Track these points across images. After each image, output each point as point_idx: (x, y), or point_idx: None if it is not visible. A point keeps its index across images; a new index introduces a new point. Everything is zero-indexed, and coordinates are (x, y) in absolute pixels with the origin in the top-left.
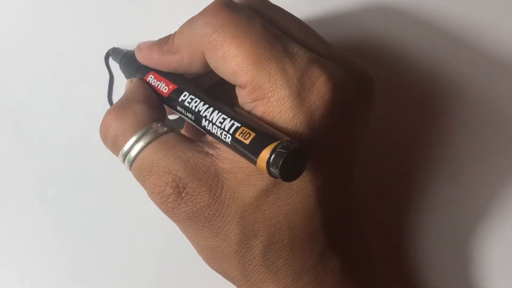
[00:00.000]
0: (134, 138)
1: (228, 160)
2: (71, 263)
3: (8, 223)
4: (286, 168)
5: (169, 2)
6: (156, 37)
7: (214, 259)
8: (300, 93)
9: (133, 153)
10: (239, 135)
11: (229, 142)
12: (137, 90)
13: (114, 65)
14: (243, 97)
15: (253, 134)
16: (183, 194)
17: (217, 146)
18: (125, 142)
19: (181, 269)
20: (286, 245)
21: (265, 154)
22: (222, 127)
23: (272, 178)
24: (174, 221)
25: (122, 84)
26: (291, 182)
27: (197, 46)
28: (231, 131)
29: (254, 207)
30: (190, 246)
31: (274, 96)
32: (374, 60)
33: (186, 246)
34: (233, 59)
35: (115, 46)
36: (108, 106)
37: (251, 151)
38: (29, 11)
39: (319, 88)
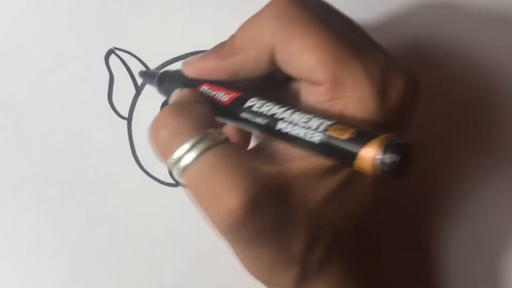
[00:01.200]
0: (193, 141)
1: (295, 167)
2: (71, 263)
3: (8, 223)
4: (398, 163)
5: (169, 2)
6: (156, 37)
7: (271, 273)
8: (382, 93)
9: (189, 157)
10: (333, 132)
11: (316, 142)
12: (193, 94)
13: (114, 65)
14: (318, 95)
15: (351, 129)
16: (249, 208)
17: (280, 155)
18: (182, 143)
19: (181, 269)
20: (339, 245)
21: (370, 149)
22: (308, 126)
23: (339, 182)
24: (234, 239)
25: (122, 84)
26: (353, 185)
27: (267, 40)
28: (320, 129)
29: (319, 213)
30: (190, 246)
31: (356, 95)
32: (421, 61)
33: (185, 246)
34: (312, 53)
35: (144, 69)
36: (108, 106)
37: (348, 150)
38: (29, 11)
39: (399, 89)
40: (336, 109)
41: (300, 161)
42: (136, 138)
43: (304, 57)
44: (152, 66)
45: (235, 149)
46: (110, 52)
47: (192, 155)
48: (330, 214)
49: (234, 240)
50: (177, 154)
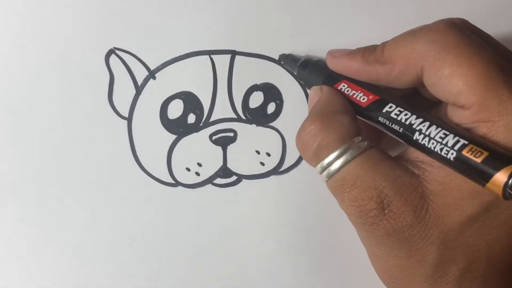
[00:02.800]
0: (338, 152)
1: (437, 182)
2: (71, 263)
3: (9, 222)
4: None
5: (169, 2)
6: (156, 37)
7: (401, 279)
8: None
9: (335, 165)
10: (467, 153)
11: (451, 159)
12: (337, 99)
13: (114, 65)
14: (463, 118)
15: (485, 153)
16: (386, 211)
17: (421, 166)
18: (328, 154)
19: (181, 269)
20: (481, 275)
21: (502, 175)
22: (444, 142)
23: (482, 205)
24: (368, 235)
25: (122, 84)
26: (500, 212)
27: (417, 61)
28: (456, 148)
29: (457, 232)
30: (190, 246)
31: (502, 121)
32: None
33: (185, 246)
34: (461, 78)
35: (286, 53)
36: (108, 106)
37: (482, 171)
38: (29, 11)
39: None
40: (479, 131)
41: (438, 172)
42: (136, 138)
43: (453, 82)
44: (152, 66)
45: (377, 157)
46: (110, 52)
47: (338, 163)
48: (470, 236)
49: (370, 236)
50: (325, 162)
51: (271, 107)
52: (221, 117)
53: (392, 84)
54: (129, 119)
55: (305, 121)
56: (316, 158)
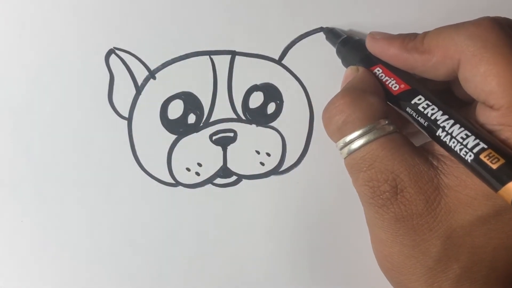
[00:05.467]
0: (362, 130)
1: (454, 176)
2: (71, 263)
3: (9, 223)
4: None
5: (169, 2)
6: (156, 37)
7: (401, 268)
8: None
9: (357, 144)
10: (484, 157)
11: (469, 161)
12: (370, 80)
13: (114, 65)
14: (490, 118)
15: (502, 160)
16: (398, 196)
17: (441, 159)
18: (352, 131)
19: (181, 269)
20: (482, 277)
21: None
22: (464, 143)
23: (495, 208)
24: (376, 217)
25: (122, 84)
26: (510, 219)
27: (455, 53)
28: (474, 150)
29: (466, 231)
30: (190, 246)
31: None
32: None
33: (185, 246)
34: (495, 78)
35: (328, 26)
36: (108, 106)
37: (496, 177)
38: (29, 11)
39: None
40: (502, 134)
41: (456, 167)
42: (136, 138)
43: (487, 80)
44: (152, 66)
45: (399, 142)
46: (110, 52)
47: (360, 142)
48: (477, 237)
49: (379, 220)
50: (347, 138)
51: (271, 107)
52: (221, 117)
53: (427, 74)
54: (129, 119)
55: (335, 96)
56: (339, 133)
